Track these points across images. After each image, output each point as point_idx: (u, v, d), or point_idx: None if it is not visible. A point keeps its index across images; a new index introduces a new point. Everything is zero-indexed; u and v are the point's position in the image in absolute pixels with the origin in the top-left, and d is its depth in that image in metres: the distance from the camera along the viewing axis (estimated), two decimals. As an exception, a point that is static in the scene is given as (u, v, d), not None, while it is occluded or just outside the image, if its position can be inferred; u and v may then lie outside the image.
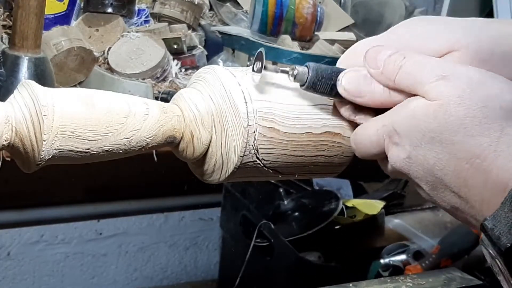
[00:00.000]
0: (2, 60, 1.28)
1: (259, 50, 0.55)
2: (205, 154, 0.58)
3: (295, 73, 0.55)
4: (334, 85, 0.54)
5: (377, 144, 0.53)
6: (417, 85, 0.51)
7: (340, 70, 0.55)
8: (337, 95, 0.55)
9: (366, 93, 0.53)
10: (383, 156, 0.54)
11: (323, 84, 0.54)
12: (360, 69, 0.54)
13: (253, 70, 0.55)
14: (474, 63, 0.53)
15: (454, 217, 0.52)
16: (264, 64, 0.55)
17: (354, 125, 0.57)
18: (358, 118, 0.55)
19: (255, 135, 0.55)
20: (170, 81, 1.60)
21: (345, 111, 0.56)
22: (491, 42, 0.54)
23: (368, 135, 0.54)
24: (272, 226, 1.72)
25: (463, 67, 0.51)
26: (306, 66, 0.55)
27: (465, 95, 0.48)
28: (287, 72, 0.55)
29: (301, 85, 0.55)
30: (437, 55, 0.54)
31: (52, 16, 1.56)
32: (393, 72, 0.52)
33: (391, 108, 0.53)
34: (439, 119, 0.49)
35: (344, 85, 0.54)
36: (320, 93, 0.55)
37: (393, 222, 1.85)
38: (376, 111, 0.54)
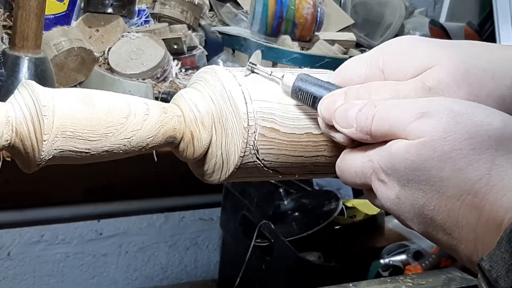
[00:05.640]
0: (2, 60, 1.28)
1: (256, 51, 0.56)
2: (205, 154, 0.58)
3: (283, 80, 0.56)
4: (316, 98, 0.54)
5: (362, 176, 0.51)
6: (395, 129, 0.48)
7: (325, 85, 0.55)
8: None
9: None
10: (368, 188, 0.52)
11: (304, 96, 0.55)
12: (338, 92, 0.53)
13: (249, 65, 0.57)
14: (456, 75, 0.52)
15: (451, 254, 0.49)
16: (251, 66, 0.56)
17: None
18: (332, 133, 0.54)
19: (255, 136, 0.55)
20: (170, 81, 1.60)
21: (321, 123, 0.54)
22: (476, 55, 0.53)
23: (353, 165, 0.52)
24: (272, 226, 1.72)
25: (440, 100, 0.48)
26: (297, 74, 0.55)
27: (450, 128, 0.46)
28: (278, 79, 0.56)
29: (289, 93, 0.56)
30: (419, 70, 0.53)
31: (52, 16, 1.56)
32: (367, 124, 0.49)
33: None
34: (423, 156, 0.46)
35: (321, 110, 0.53)
36: (302, 103, 0.56)
37: (393, 222, 1.85)
38: None
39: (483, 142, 0.45)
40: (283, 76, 0.56)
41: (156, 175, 1.78)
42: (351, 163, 0.52)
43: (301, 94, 0.55)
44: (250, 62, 0.57)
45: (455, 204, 0.45)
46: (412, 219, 0.49)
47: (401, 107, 0.48)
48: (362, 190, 0.54)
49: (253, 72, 0.58)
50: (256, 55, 0.58)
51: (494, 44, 0.58)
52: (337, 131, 0.53)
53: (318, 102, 0.54)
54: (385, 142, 0.50)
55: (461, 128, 0.46)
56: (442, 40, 0.56)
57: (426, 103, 0.48)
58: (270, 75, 0.57)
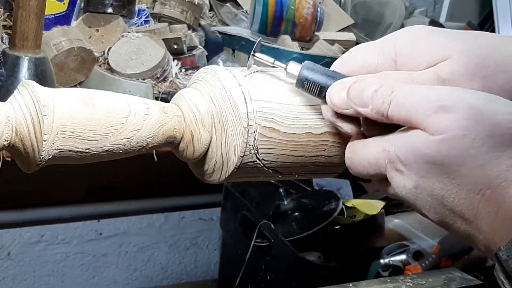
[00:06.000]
0: (2, 60, 1.28)
1: (258, 39, 0.57)
2: (205, 154, 0.58)
3: (287, 69, 0.55)
4: (323, 88, 0.54)
5: (376, 167, 0.51)
6: (414, 118, 0.48)
7: (332, 74, 0.55)
8: (325, 97, 0.54)
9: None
10: (382, 178, 0.52)
11: (311, 85, 0.54)
12: (349, 80, 0.53)
13: (252, 55, 0.57)
14: (469, 68, 0.52)
15: (466, 243, 0.50)
16: (256, 53, 0.56)
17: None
18: (339, 122, 0.54)
19: (255, 135, 0.55)
20: (170, 81, 1.60)
21: (327, 111, 0.54)
22: (489, 48, 0.54)
23: (366, 156, 0.52)
24: (272, 226, 1.72)
25: (460, 92, 0.48)
26: (302, 63, 0.55)
27: (469, 127, 0.46)
28: (282, 67, 0.56)
29: (294, 82, 0.55)
30: (433, 62, 0.53)
31: (52, 16, 1.56)
32: (384, 108, 0.50)
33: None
34: (444, 153, 0.47)
35: (331, 97, 0.53)
36: (308, 92, 0.55)
37: (393, 222, 1.85)
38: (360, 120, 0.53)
39: (504, 140, 0.46)
40: (287, 65, 0.56)
41: (156, 175, 1.78)
42: (364, 154, 0.52)
43: (307, 84, 0.54)
44: (253, 51, 0.57)
45: (475, 198, 0.47)
46: (429, 209, 0.50)
47: (418, 95, 0.49)
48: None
49: (256, 56, 0.57)
50: (258, 45, 0.58)
51: (505, 35, 0.58)
52: (344, 120, 0.53)
53: (325, 92, 0.54)
54: (400, 130, 0.50)
55: (481, 125, 0.46)
56: (454, 30, 0.56)
57: (444, 94, 0.48)
58: (273, 63, 0.57)
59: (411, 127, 0.49)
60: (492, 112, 0.47)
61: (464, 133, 0.46)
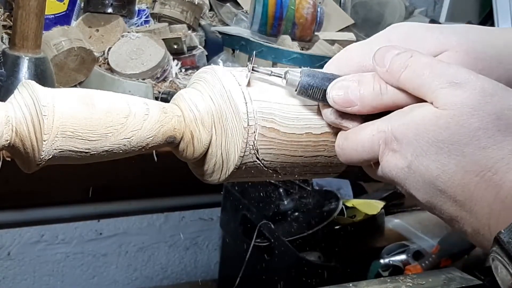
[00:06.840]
0: (2, 60, 1.28)
1: (253, 53, 0.56)
2: (205, 154, 0.58)
3: (287, 77, 0.55)
4: (325, 91, 0.54)
5: (370, 150, 0.51)
6: (424, 88, 0.49)
7: (333, 77, 0.54)
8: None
9: (356, 101, 0.52)
10: (373, 161, 0.52)
11: (314, 90, 0.54)
12: (349, 77, 0.53)
13: (248, 70, 0.56)
14: (466, 61, 0.52)
15: (448, 225, 0.51)
16: (252, 66, 0.55)
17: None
18: (344, 122, 0.54)
19: (255, 135, 0.55)
20: (170, 81, 1.60)
21: (330, 114, 0.54)
22: (482, 41, 0.54)
23: (360, 141, 0.52)
24: (272, 226, 1.72)
25: (474, 76, 0.49)
26: (300, 70, 0.55)
27: (479, 107, 0.47)
28: (280, 76, 0.56)
29: (295, 90, 0.55)
30: (430, 55, 0.53)
31: (52, 16, 1.56)
32: (398, 71, 0.50)
33: (383, 112, 0.52)
34: (451, 130, 0.47)
35: (333, 97, 0.53)
36: (311, 98, 0.55)
37: (393, 222, 1.85)
38: (364, 117, 0.53)
39: (509, 125, 0.47)
40: (285, 74, 0.56)
41: (156, 175, 1.78)
42: (358, 139, 0.52)
43: (310, 89, 0.54)
44: (253, 68, 0.56)
45: (473, 179, 0.47)
46: (418, 189, 0.50)
47: (434, 68, 0.49)
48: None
49: (253, 70, 0.57)
50: (252, 58, 0.57)
51: (494, 28, 0.59)
52: (349, 119, 0.53)
53: (326, 94, 0.53)
54: (399, 110, 0.50)
55: (489, 108, 0.47)
56: (446, 26, 0.56)
57: (460, 72, 0.49)
58: (271, 74, 0.57)
59: (414, 108, 0.49)
60: (502, 98, 0.48)
61: (474, 112, 0.47)
